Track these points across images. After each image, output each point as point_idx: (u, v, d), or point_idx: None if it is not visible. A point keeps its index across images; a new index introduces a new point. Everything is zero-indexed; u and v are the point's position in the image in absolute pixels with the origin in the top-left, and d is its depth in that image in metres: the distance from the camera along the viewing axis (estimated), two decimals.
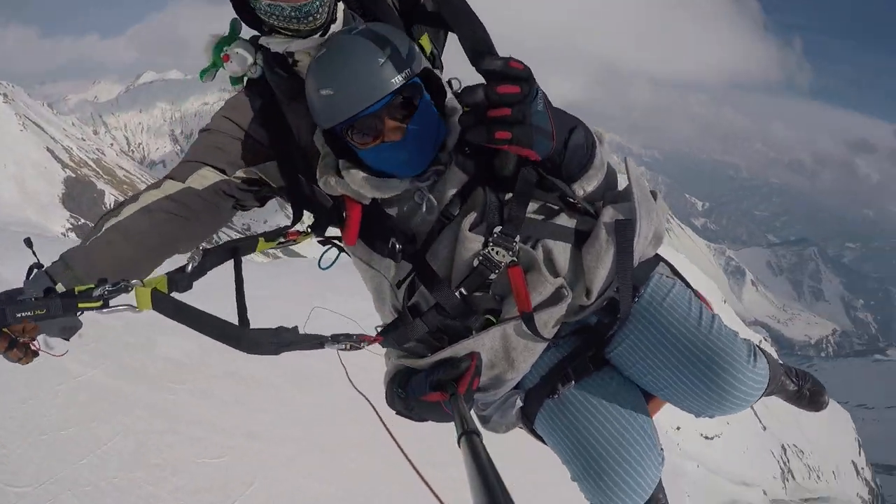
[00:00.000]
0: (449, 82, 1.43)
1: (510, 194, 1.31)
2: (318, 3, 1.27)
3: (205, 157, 1.47)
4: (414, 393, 1.32)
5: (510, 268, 1.28)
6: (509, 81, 0.98)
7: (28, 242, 1.31)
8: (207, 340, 1.20)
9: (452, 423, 1.05)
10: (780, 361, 1.83)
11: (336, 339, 1.30)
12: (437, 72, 1.38)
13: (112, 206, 1.48)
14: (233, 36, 1.45)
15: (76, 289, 1.17)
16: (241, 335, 1.19)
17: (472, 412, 1.25)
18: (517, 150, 1.05)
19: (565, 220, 1.35)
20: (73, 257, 1.31)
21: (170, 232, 1.42)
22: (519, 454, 1.77)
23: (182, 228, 1.43)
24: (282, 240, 1.57)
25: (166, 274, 1.29)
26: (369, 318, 1.60)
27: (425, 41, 1.51)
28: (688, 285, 1.51)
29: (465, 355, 1.31)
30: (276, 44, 1.37)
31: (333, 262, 1.61)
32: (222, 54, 1.44)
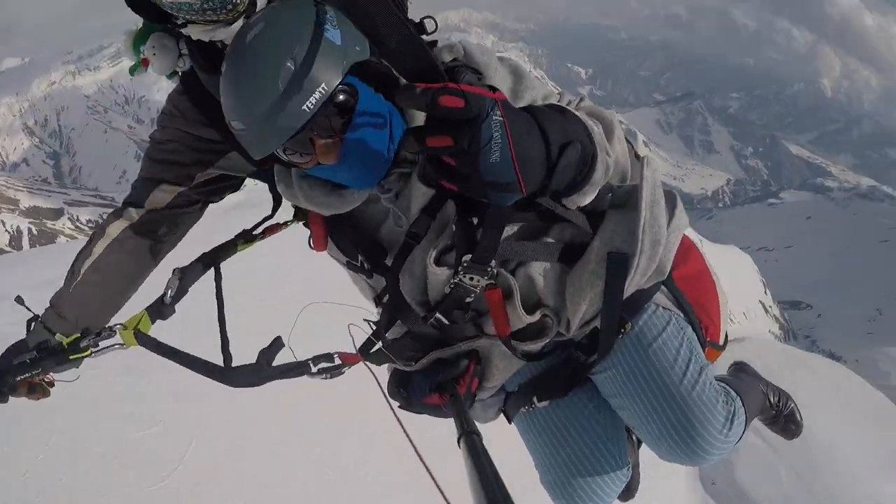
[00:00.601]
0: (421, 23, 1.16)
1: (479, 219, 1.08)
2: None
3: (159, 173, 1.40)
4: (414, 393, 1.32)
5: (487, 290, 1.16)
6: (440, 128, 0.74)
7: (19, 300, 1.36)
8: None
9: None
10: (765, 382, 1.86)
11: (317, 361, 1.29)
12: (377, 59, 1.04)
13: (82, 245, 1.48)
14: (147, 29, 1.25)
15: (64, 342, 1.30)
16: (224, 374, 1.24)
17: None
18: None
19: (554, 235, 1.19)
20: (62, 305, 1.37)
21: (145, 255, 1.45)
22: (519, 454, 1.61)
23: (155, 248, 1.46)
24: (260, 237, 1.52)
25: (146, 309, 1.34)
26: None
27: None
28: (687, 313, 1.36)
29: (465, 355, 1.31)
30: (196, 33, 1.14)
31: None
32: (140, 57, 1.27)
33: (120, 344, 1.30)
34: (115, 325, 1.31)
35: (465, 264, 1.12)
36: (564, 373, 1.38)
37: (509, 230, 1.16)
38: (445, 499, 1.12)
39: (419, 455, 1.29)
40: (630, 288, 1.16)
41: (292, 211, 1.46)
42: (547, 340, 1.25)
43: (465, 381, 1.25)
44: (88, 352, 1.30)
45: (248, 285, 4.31)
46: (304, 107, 0.94)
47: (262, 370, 1.23)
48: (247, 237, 1.52)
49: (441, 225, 1.17)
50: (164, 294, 1.35)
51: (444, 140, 0.75)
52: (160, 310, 1.35)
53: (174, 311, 1.37)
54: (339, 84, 0.97)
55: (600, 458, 1.34)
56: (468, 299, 1.18)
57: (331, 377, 1.32)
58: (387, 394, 1.48)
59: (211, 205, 1.53)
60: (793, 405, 1.97)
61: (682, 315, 1.35)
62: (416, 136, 0.77)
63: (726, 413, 1.26)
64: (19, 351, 1.32)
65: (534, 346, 1.25)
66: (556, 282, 1.20)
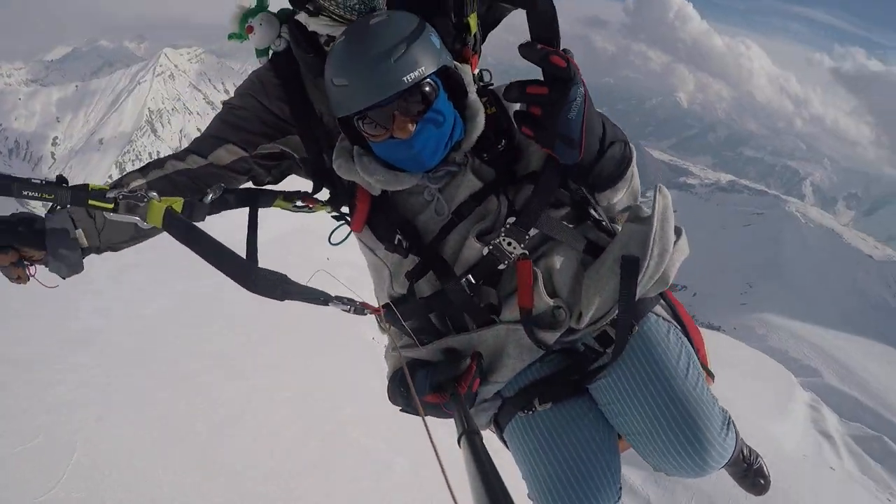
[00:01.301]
0: (480, 74, 1.45)
1: (530, 192, 1.28)
2: None
3: (228, 133, 1.47)
4: (416, 392, 1.27)
5: (520, 260, 1.28)
6: (545, 80, 1.01)
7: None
8: None
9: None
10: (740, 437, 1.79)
11: (340, 299, 1.32)
12: (459, 69, 1.30)
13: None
14: (260, 7, 1.45)
15: (90, 186, 1.12)
16: (251, 272, 1.16)
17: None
18: (542, 149, 1.14)
19: (581, 231, 1.36)
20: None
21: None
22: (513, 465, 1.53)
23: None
24: (299, 203, 1.53)
25: (184, 198, 1.27)
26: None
27: (472, 20, 1.42)
28: (684, 330, 1.45)
29: (467, 355, 1.31)
30: (320, 27, 1.34)
31: (344, 240, 1.57)
32: (246, 25, 1.43)
33: (141, 220, 1.11)
34: (151, 193, 1.13)
35: (507, 226, 1.27)
36: (569, 376, 1.40)
37: (549, 213, 1.32)
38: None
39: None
40: (639, 290, 1.26)
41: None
42: (560, 332, 1.32)
43: (467, 380, 1.26)
44: (111, 205, 1.10)
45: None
46: (405, 78, 1.15)
47: (287, 283, 1.20)
48: (286, 196, 1.52)
49: (483, 212, 1.33)
50: (205, 195, 1.30)
51: (541, 89, 1.02)
52: (194, 207, 1.26)
53: (204, 220, 1.31)
54: (432, 74, 1.19)
55: (596, 466, 1.31)
56: (501, 266, 1.30)
57: (353, 312, 1.38)
58: (391, 397, 1.46)
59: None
60: (762, 461, 2.04)
61: (679, 328, 1.43)
62: (519, 85, 1.04)
63: (723, 416, 1.32)
64: (24, 179, 1.10)
65: (548, 336, 1.31)
66: (571, 277, 1.32)
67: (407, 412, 1.43)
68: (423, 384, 1.29)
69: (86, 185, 1.12)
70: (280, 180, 1.62)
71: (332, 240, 1.57)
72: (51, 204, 1.12)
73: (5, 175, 1.05)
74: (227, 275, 1.13)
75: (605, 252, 1.31)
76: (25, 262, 1.22)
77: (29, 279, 1.23)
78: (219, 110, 1.56)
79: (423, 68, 1.16)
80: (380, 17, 1.21)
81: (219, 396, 4.29)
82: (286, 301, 1.22)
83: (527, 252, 1.30)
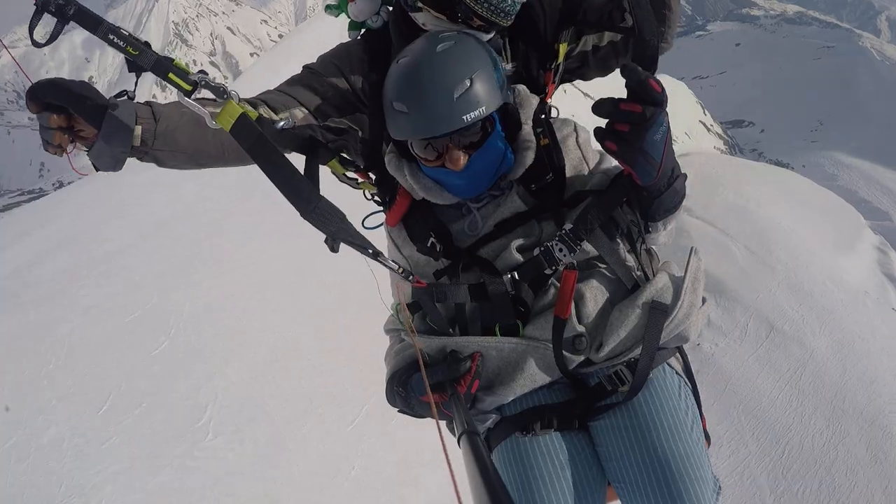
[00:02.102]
0: (548, 109, 1.45)
1: (588, 204, 1.30)
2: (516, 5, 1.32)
3: (302, 96, 1.44)
4: (414, 392, 1.31)
5: (567, 269, 1.28)
6: (637, 100, 1.04)
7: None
8: None
9: None
10: None
11: (383, 256, 1.27)
12: (519, 100, 1.35)
13: None
14: None
15: (175, 61, 1.06)
16: (313, 199, 1.08)
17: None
18: (622, 164, 1.15)
19: (619, 264, 1.36)
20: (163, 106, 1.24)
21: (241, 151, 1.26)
22: None
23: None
24: (351, 173, 1.48)
25: (260, 112, 1.27)
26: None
27: (562, 50, 1.47)
28: (694, 389, 1.44)
29: (467, 356, 1.28)
30: (429, 21, 1.36)
31: (377, 226, 1.53)
32: None
33: (212, 115, 1.05)
34: (232, 91, 1.08)
35: (563, 232, 1.28)
36: (576, 408, 1.37)
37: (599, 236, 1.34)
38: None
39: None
40: (663, 337, 1.29)
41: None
42: (580, 359, 1.32)
43: (466, 380, 1.24)
44: (190, 87, 1.04)
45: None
46: (464, 117, 1.16)
47: (344, 222, 1.12)
48: (343, 161, 1.46)
49: (527, 231, 1.35)
50: (279, 121, 1.23)
51: (634, 107, 1.04)
52: (264, 126, 1.16)
53: None
54: (492, 113, 1.21)
55: (582, 498, 1.29)
56: (547, 271, 1.30)
57: (400, 272, 1.35)
58: (391, 399, 1.45)
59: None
60: None
61: (689, 386, 1.42)
62: (613, 102, 1.05)
63: (715, 484, 1.31)
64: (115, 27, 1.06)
65: (571, 356, 1.31)
66: (600, 307, 1.32)
67: (404, 413, 1.42)
68: (421, 385, 1.28)
69: (171, 59, 1.07)
70: (329, 159, 1.56)
71: (365, 223, 1.52)
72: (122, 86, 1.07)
73: (96, 15, 1.01)
74: (287, 195, 1.07)
75: (637, 293, 1.31)
76: (71, 136, 1.13)
77: (63, 154, 1.16)
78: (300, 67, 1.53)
79: (483, 108, 1.17)
80: (447, 44, 1.21)
81: None
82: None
83: (574, 262, 1.30)
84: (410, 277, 1.36)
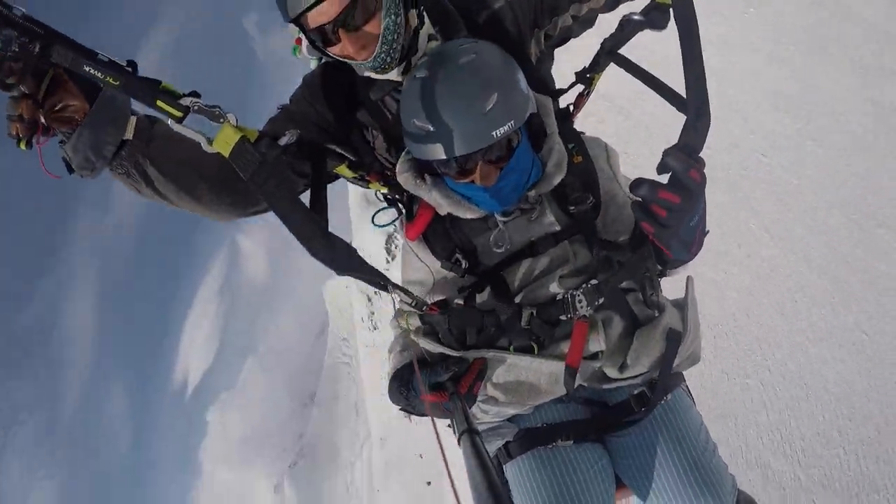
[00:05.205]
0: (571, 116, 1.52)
1: (618, 258, 1.29)
2: (383, 55, 1.20)
3: (284, 129, 1.31)
4: (416, 391, 1.31)
5: (579, 320, 1.30)
6: (677, 189, 0.99)
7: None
8: None
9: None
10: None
11: (399, 288, 1.26)
12: (540, 109, 1.30)
13: None
14: None
15: (163, 84, 0.97)
16: (321, 234, 1.05)
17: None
18: (657, 244, 1.12)
19: (633, 302, 1.41)
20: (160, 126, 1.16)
21: (234, 181, 1.17)
22: None
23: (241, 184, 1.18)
24: (363, 173, 1.48)
25: (259, 130, 1.21)
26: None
27: (597, 79, 1.52)
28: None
29: (468, 359, 1.31)
30: (355, 66, 1.27)
31: (390, 224, 1.54)
32: (297, 36, 1.35)
33: (208, 140, 0.99)
34: (229, 114, 1.00)
35: (588, 286, 1.28)
36: (597, 424, 1.45)
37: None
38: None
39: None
40: (677, 359, 1.36)
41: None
42: (588, 374, 1.39)
43: (468, 380, 1.25)
44: (181, 114, 0.97)
45: None
46: (494, 133, 1.11)
47: (352, 256, 1.11)
48: (352, 165, 1.48)
49: (563, 256, 1.34)
50: (282, 137, 1.17)
51: (674, 197, 0.98)
52: (267, 146, 1.11)
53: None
54: (520, 126, 1.16)
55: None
56: (562, 317, 1.30)
57: (413, 305, 1.30)
58: (394, 400, 1.43)
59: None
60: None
61: (694, 404, 1.54)
62: (650, 187, 0.99)
63: (732, 482, 1.37)
64: (93, 54, 0.94)
65: (588, 368, 1.37)
66: (618, 338, 1.36)
67: (407, 411, 1.41)
68: (422, 384, 1.29)
69: (158, 81, 0.97)
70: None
71: (375, 220, 1.55)
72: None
73: (69, 39, 0.89)
74: (292, 228, 1.04)
75: (655, 321, 1.37)
76: (47, 113, 0.97)
77: (32, 147, 0.97)
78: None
79: (513, 122, 1.13)
80: (468, 56, 1.14)
81: None
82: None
83: (587, 315, 1.31)
84: (424, 308, 1.31)
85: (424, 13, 1.30)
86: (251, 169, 1.01)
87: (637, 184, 1.04)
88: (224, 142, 0.99)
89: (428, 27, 1.31)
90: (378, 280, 1.18)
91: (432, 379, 1.24)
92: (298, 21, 1.16)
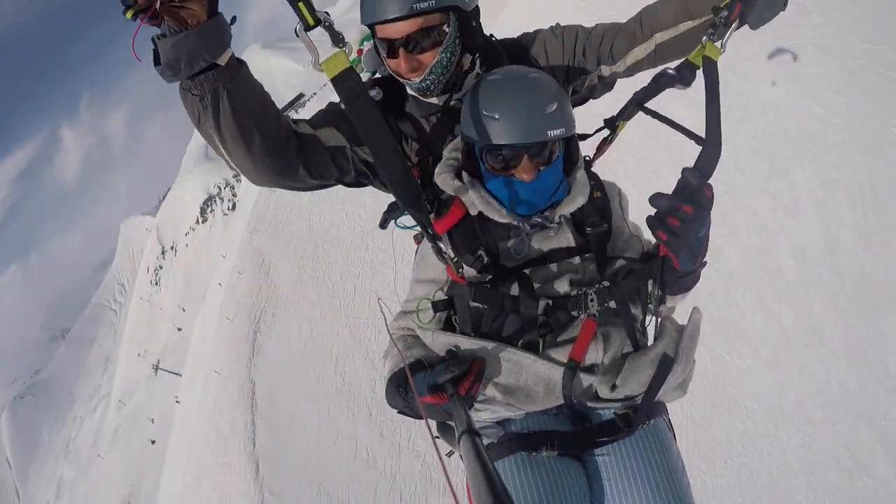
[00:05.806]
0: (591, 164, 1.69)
1: (629, 270, 1.44)
2: (428, 83, 1.40)
3: (335, 121, 1.47)
4: (413, 393, 1.33)
5: (589, 319, 1.39)
6: (691, 202, 1.20)
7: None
8: None
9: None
10: None
11: (440, 238, 1.42)
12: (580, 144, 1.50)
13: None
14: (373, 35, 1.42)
15: None
16: (406, 172, 1.26)
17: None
18: (667, 251, 1.32)
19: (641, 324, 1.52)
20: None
21: (287, 150, 1.35)
22: None
23: (292, 161, 1.37)
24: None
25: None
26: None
27: (622, 126, 1.64)
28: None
29: (467, 361, 1.32)
30: (403, 80, 1.44)
31: (413, 227, 1.62)
32: (358, 47, 1.53)
33: (317, 59, 1.12)
34: (350, 43, 1.14)
35: (600, 286, 1.41)
36: (582, 438, 1.47)
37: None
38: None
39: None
40: (665, 386, 1.39)
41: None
42: (585, 387, 1.42)
43: (467, 382, 1.26)
44: (313, 23, 1.08)
45: None
46: (549, 132, 1.29)
47: (422, 203, 1.33)
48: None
49: (572, 265, 1.45)
50: (370, 90, 1.46)
51: (687, 208, 1.19)
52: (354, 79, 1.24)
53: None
54: (570, 134, 1.35)
55: None
56: (574, 312, 1.40)
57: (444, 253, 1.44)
58: (392, 403, 1.47)
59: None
60: None
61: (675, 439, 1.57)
62: (668, 198, 1.22)
63: None
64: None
65: (582, 379, 1.41)
66: (615, 354, 1.41)
67: (404, 413, 1.43)
68: (421, 385, 1.30)
69: None
70: (358, 186, 1.63)
71: (398, 223, 1.71)
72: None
73: None
74: (382, 163, 1.23)
75: (651, 346, 1.43)
76: (165, 1, 0.98)
77: (136, 20, 0.96)
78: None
79: (563, 129, 1.30)
80: (537, 73, 1.36)
81: None
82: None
83: (596, 315, 1.40)
84: (461, 270, 1.39)
85: (478, 60, 1.51)
86: (350, 96, 1.15)
87: (656, 196, 1.24)
88: (334, 65, 1.12)
89: (477, 71, 1.51)
90: (428, 230, 1.37)
91: (432, 380, 1.27)
92: (372, 27, 1.36)
